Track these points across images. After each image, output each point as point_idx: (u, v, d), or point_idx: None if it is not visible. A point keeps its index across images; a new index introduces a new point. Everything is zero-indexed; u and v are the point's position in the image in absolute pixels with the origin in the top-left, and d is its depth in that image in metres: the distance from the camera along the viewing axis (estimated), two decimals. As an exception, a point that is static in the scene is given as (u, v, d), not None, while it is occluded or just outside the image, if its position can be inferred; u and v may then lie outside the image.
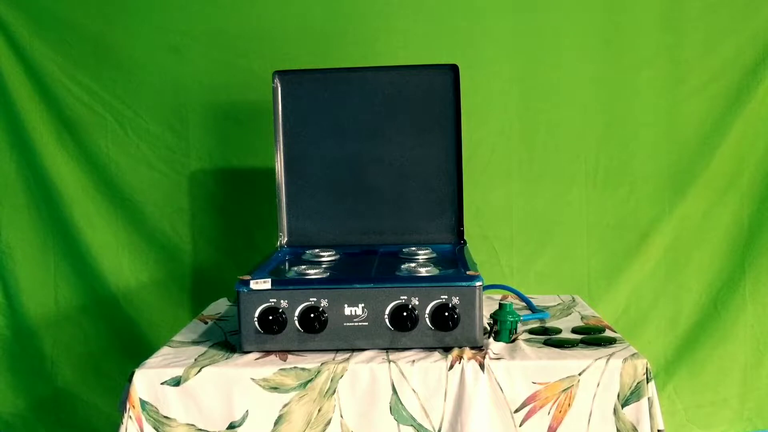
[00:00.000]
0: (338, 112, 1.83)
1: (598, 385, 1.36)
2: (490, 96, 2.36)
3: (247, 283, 1.40)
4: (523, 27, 2.33)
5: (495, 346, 1.44)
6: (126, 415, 1.35)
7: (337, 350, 1.42)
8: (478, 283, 1.39)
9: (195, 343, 1.54)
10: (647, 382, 1.35)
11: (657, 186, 2.40)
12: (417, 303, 1.39)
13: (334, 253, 1.72)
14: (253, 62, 2.33)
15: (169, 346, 1.51)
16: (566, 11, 2.36)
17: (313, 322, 1.38)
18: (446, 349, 1.40)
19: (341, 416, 1.36)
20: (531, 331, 1.55)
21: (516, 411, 1.36)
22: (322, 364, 1.36)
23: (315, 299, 1.39)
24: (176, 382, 1.36)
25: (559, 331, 1.56)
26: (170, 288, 2.46)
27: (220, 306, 1.87)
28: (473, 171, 2.37)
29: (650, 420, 1.35)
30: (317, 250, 1.73)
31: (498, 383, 1.35)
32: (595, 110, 2.37)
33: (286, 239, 1.83)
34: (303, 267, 1.55)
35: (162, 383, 1.36)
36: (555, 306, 1.79)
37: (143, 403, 1.36)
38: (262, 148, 2.23)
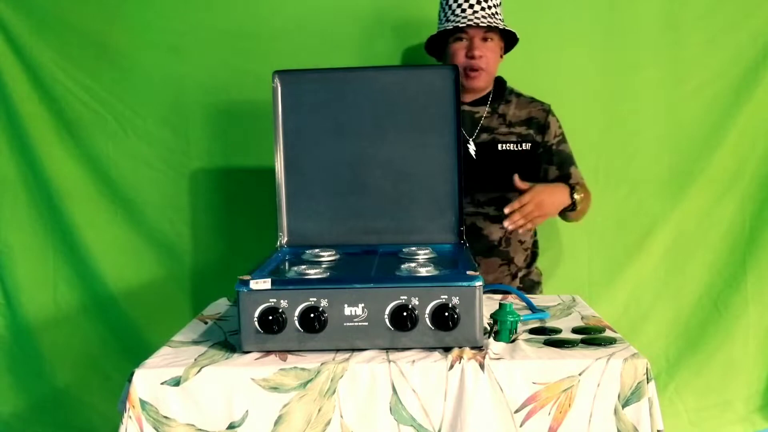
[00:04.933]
0: (338, 112, 1.83)
1: (599, 385, 1.36)
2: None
3: (247, 283, 1.40)
4: (523, 27, 2.33)
5: (495, 346, 1.43)
6: (126, 415, 1.35)
7: (337, 350, 1.42)
8: (478, 283, 1.39)
9: (195, 343, 1.53)
10: (647, 383, 1.35)
11: (657, 186, 2.40)
12: (417, 303, 1.38)
13: (334, 253, 1.72)
14: (253, 62, 2.33)
15: (169, 346, 1.51)
16: (566, 12, 2.36)
17: (313, 322, 1.38)
18: (446, 349, 1.40)
19: (341, 416, 1.36)
20: (531, 331, 1.55)
21: (516, 411, 1.35)
22: (322, 364, 1.36)
23: (315, 299, 1.39)
24: (176, 382, 1.36)
25: (559, 331, 1.56)
26: (170, 288, 2.46)
27: (220, 306, 1.87)
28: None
29: (650, 420, 1.35)
30: (317, 250, 1.73)
31: (498, 383, 1.35)
32: (595, 110, 2.38)
33: (286, 239, 1.83)
34: (303, 267, 1.55)
35: (162, 383, 1.36)
36: (555, 306, 1.79)
37: (143, 403, 1.36)
38: (262, 148, 2.23)
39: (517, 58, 2.32)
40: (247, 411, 1.36)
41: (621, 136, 2.39)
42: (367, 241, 1.80)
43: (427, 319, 1.39)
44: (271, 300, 1.39)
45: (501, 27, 2.02)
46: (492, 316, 1.53)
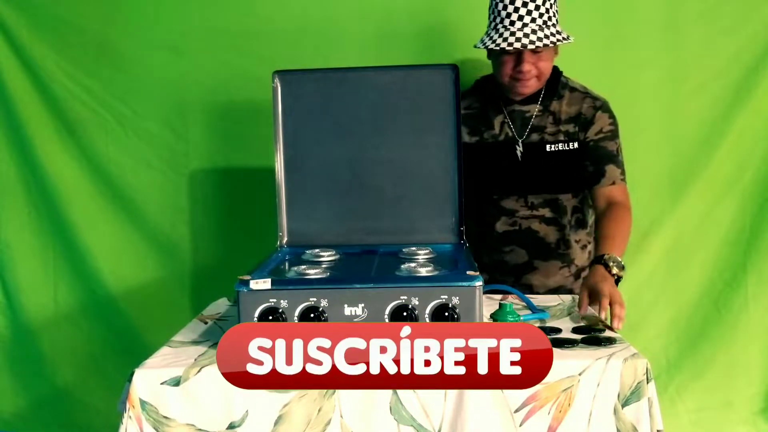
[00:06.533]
0: (338, 112, 1.83)
1: (598, 385, 1.36)
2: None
3: (247, 283, 1.40)
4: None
5: (495, 346, 1.43)
6: (126, 415, 1.35)
7: (337, 350, 1.42)
8: (478, 283, 1.39)
9: (195, 343, 1.54)
10: (647, 383, 1.35)
11: (657, 186, 2.40)
12: (417, 303, 1.38)
13: (334, 253, 1.72)
14: (253, 62, 2.33)
15: (169, 346, 1.51)
16: (566, 12, 2.35)
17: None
18: (446, 349, 1.40)
19: (341, 416, 1.36)
20: (531, 331, 1.55)
21: (516, 411, 1.35)
22: (322, 364, 1.36)
23: (315, 299, 1.39)
24: (176, 382, 1.36)
25: (559, 331, 1.56)
26: (170, 288, 2.46)
27: (220, 306, 1.87)
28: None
29: (650, 420, 1.35)
30: (317, 250, 1.73)
31: (498, 383, 1.35)
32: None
33: (286, 239, 1.83)
34: (303, 267, 1.55)
35: (162, 383, 1.36)
36: (555, 306, 1.79)
37: (143, 403, 1.36)
38: (262, 148, 2.23)
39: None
40: (247, 411, 1.36)
41: (621, 136, 2.38)
42: (367, 241, 1.80)
43: (427, 319, 1.39)
44: (271, 300, 1.39)
45: (550, 44, 1.86)
46: (492, 316, 1.53)
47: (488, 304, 1.55)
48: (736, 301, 2.41)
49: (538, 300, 1.82)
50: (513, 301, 1.73)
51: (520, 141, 2.01)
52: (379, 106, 1.82)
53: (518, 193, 2.04)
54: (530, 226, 2.05)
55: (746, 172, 2.39)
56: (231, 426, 1.36)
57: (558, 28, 1.91)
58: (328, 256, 1.70)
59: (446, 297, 1.38)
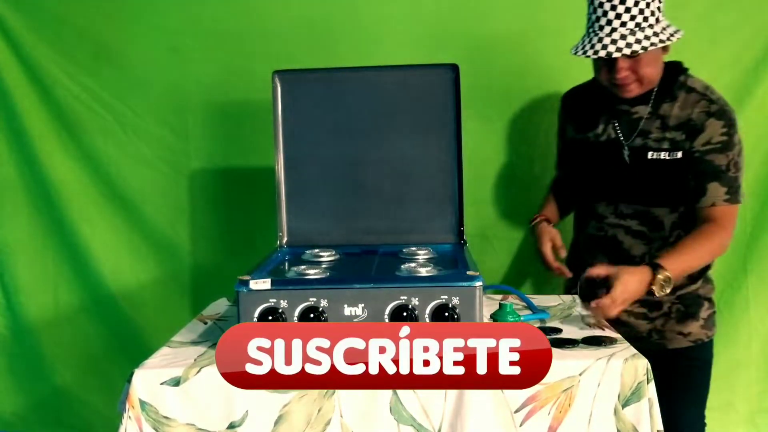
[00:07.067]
0: (338, 112, 1.83)
1: (599, 385, 1.36)
2: (491, 95, 2.36)
3: (246, 283, 1.40)
4: (523, 27, 2.33)
5: (495, 347, 1.43)
6: (125, 416, 1.35)
7: (337, 350, 1.42)
8: (478, 283, 1.39)
9: (195, 343, 1.53)
10: (647, 383, 1.35)
11: (657, 186, 2.40)
12: (417, 303, 1.38)
13: (334, 253, 1.72)
14: (253, 62, 2.33)
15: (169, 347, 1.51)
16: (567, 11, 2.35)
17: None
18: (446, 349, 1.40)
19: (341, 416, 1.36)
20: (531, 332, 1.54)
21: (516, 411, 1.35)
22: (321, 364, 1.36)
23: (315, 299, 1.39)
24: (176, 382, 1.36)
25: (559, 331, 1.56)
26: (170, 288, 2.46)
27: (220, 306, 1.87)
28: (474, 170, 2.36)
29: (650, 421, 1.35)
30: (317, 250, 1.73)
31: (498, 383, 1.35)
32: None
33: (286, 239, 1.83)
34: (303, 267, 1.55)
35: (161, 383, 1.36)
36: (555, 306, 1.79)
37: (143, 403, 1.36)
38: (262, 148, 2.23)
39: (515, 59, 2.31)
40: (247, 411, 1.36)
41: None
42: (367, 241, 1.80)
43: (427, 319, 1.39)
44: (270, 300, 1.39)
45: (640, 50, 1.69)
46: (492, 316, 1.53)
47: (488, 304, 1.54)
48: (736, 301, 2.41)
49: (538, 300, 1.82)
50: (513, 301, 1.73)
51: (626, 145, 1.85)
52: (379, 106, 1.82)
53: (608, 199, 1.90)
54: (616, 235, 1.90)
55: (747, 173, 2.38)
56: (231, 426, 1.36)
57: (656, 28, 1.73)
58: (328, 256, 1.70)
59: (446, 297, 1.38)
